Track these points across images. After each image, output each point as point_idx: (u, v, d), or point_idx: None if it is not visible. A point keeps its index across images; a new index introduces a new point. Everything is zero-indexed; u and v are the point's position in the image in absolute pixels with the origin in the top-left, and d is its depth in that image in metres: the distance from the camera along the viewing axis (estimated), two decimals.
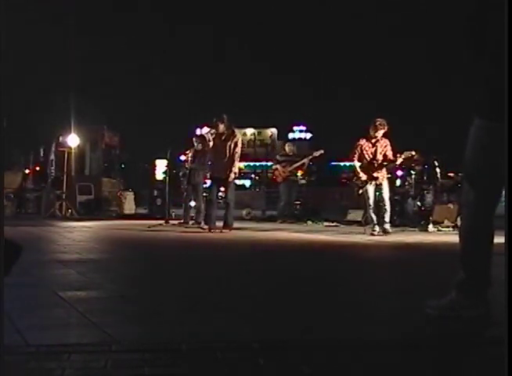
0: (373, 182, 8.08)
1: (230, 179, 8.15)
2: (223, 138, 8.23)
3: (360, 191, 8.18)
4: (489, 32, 2.19)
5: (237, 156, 8.24)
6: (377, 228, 8.02)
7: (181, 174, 10.55)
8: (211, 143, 8.29)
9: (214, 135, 8.31)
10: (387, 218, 8.03)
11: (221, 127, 8.25)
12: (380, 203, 8.12)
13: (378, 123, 8.03)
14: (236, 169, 8.26)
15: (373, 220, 8.08)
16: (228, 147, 8.17)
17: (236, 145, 8.24)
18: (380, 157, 8.10)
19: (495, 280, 2.35)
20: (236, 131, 8.58)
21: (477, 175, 2.41)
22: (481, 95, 2.36)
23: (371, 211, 8.08)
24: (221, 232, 7.93)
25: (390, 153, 8.13)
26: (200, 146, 10.48)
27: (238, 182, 17.98)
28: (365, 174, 8.09)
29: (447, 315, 2.36)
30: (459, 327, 2.26)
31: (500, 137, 2.06)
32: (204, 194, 9.95)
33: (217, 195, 8.59)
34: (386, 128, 8.07)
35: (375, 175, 8.06)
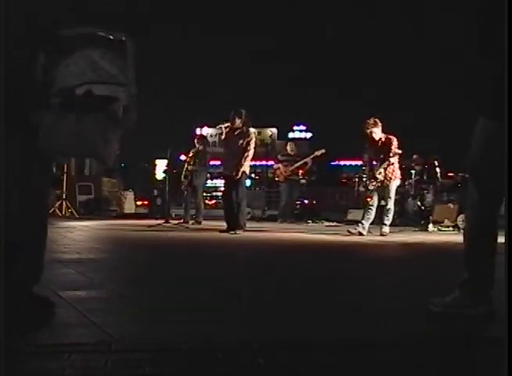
0: (378, 184, 7.77)
1: (237, 177, 7.73)
2: (236, 133, 7.85)
3: (367, 190, 7.96)
4: (497, 32, 2.18)
5: (249, 155, 7.82)
6: (361, 228, 7.73)
7: (182, 176, 10.55)
8: (223, 137, 7.89)
9: (227, 129, 7.92)
10: (387, 220, 7.84)
11: (238, 122, 7.85)
12: (383, 203, 7.89)
13: (367, 123, 7.72)
14: (245, 168, 7.78)
15: (363, 218, 7.79)
16: (240, 144, 7.78)
17: (248, 144, 7.78)
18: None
19: (496, 279, 2.35)
20: (251, 130, 8.16)
21: (482, 175, 2.39)
22: (488, 94, 2.35)
23: (368, 210, 7.79)
24: (235, 233, 7.55)
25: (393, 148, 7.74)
26: (201, 147, 10.50)
27: None
28: (371, 177, 7.83)
29: (449, 312, 2.36)
30: (460, 325, 2.26)
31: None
32: (204, 194, 9.92)
33: (231, 194, 7.99)
34: (379, 125, 7.76)
35: (379, 176, 7.74)
